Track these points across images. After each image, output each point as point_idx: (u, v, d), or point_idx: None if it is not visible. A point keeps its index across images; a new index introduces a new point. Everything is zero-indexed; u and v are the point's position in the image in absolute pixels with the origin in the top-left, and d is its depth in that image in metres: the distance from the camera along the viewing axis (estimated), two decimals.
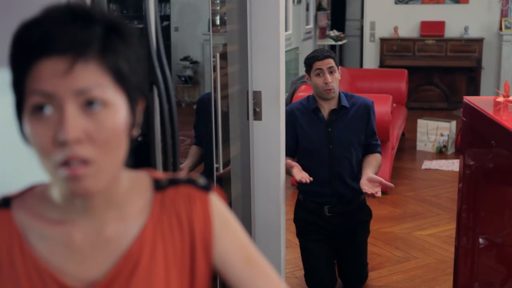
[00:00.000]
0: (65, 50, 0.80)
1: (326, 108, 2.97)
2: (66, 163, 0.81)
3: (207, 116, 2.56)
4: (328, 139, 2.94)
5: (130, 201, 0.94)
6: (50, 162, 0.82)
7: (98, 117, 0.82)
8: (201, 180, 0.99)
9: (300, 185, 3.07)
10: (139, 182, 0.97)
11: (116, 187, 0.92)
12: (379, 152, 3.01)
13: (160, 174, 1.01)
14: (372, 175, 2.81)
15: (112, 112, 0.84)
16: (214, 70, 2.37)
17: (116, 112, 0.84)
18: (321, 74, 2.91)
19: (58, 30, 0.81)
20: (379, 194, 2.75)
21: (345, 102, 2.95)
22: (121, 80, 0.85)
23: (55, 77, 0.80)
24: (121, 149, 0.87)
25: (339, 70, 3.00)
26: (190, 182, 0.98)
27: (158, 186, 0.97)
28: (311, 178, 2.80)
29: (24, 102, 0.83)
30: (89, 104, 0.82)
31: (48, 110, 0.81)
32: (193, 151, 2.55)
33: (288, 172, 2.92)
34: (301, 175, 2.79)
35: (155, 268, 0.93)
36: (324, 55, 2.94)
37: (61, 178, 0.83)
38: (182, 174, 1.00)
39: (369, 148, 2.99)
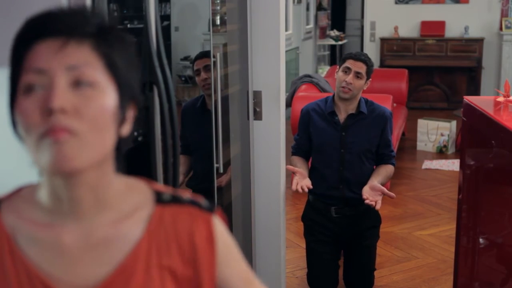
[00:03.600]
0: (61, 32, 0.85)
1: (343, 112, 2.94)
2: (50, 131, 0.82)
3: (193, 124, 2.55)
4: (340, 143, 2.92)
5: (125, 208, 0.93)
6: (35, 135, 0.83)
7: (86, 94, 0.85)
8: (204, 202, 0.98)
9: None
10: (138, 191, 0.96)
11: (105, 185, 0.91)
12: (392, 164, 2.96)
13: (160, 186, 1.00)
14: (376, 183, 2.79)
15: (101, 94, 0.86)
16: (214, 70, 2.37)
17: (105, 95, 0.86)
18: (347, 72, 2.89)
19: (58, 16, 0.86)
20: (378, 205, 2.73)
21: (363, 108, 2.92)
22: (112, 69, 0.88)
23: (48, 54, 0.84)
24: (108, 133, 0.87)
25: (369, 82, 2.95)
26: (194, 203, 0.97)
27: (160, 199, 0.96)
28: (310, 187, 2.78)
29: (19, 85, 0.86)
30: (78, 83, 0.84)
31: (39, 88, 0.84)
32: (181, 160, 2.53)
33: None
34: (299, 185, 2.77)
35: (151, 283, 0.91)
36: (360, 58, 2.91)
37: (44, 148, 0.83)
38: (186, 193, 0.99)
39: (382, 158, 2.95)
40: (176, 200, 0.96)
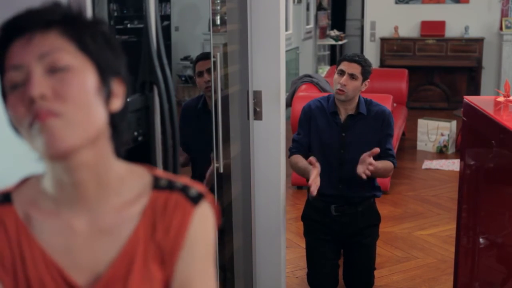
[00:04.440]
0: (27, 28, 0.88)
1: (343, 112, 2.94)
2: (36, 117, 0.85)
3: (194, 125, 2.55)
4: (340, 144, 2.92)
5: (128, 193, 0.95)
6: (25, 125, 0.86)
7: (64, 77, 0.87)
8: (194, 190, 0.97)
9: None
10: (139, 176, 0.98)
11: (105, 166, 0.92)
12: (392, 162, 2.93)
13: (160, 172, 1.01)
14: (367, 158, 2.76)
15: (78, 74, 0.88)
16: (215, 70, 2.37)
17: (82, 74, 0.88)
18: (341, 74, 2.90)
19: (24, 16, 0.90)
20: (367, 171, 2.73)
21: (363, 109, 2.92)
22: (85, 49, 0.90)
23: (20, 50, 0.88)
24: (93, 109, 0.89)
25: (367, 83, 2.94)
26: (184, 190, 0.97)
27: (157, 184, 0.97)
28: (315, 193, 2.74)
29: (4, 85, 0.89)
30: (54, 68, 0.87)
31: (20, 83, 0.87)
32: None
33: (301, 171, 2.90)
34: (314, 184, 2.72)
35: (148, 266, 0.93)
36: (353, 59, 2.92)
37: (35, 135, 0.85)
38: (182, 179, 1.00)
39: (380, 156, 2.90)
40: (169, 186, 0.97)
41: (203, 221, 0.96)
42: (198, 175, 2.55)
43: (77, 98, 0.86)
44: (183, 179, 0.99)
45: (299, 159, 2.94)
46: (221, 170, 2.44)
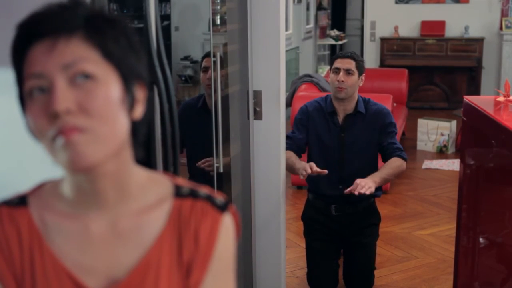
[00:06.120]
0: (49, 32, 0.84)
1: (341, 112, 2.94)
2: (60, 133, 0.82)
3: (194, 124, 2.55)
4: (339, 144, 2.92)
5: (148, 199, 0.94)
6: (48, 138, 0.83)
7: (88, 88, 0.84)
8: (220, 200, 0.96)
9: (309, 186, 3.06)
10: (160, 184, 0.96)
11: (125, 173, 0.91)
12: (398, 156, 2.87)
13: (181, 180, 0.99)
14: (363, 180, 2.74)
15: (102, 85, 0.85)
16: (214, 69, 2.37)
17: (107, 85, 0.85)
18: (337, 72, 2.91)
19: (45, 16, 0.85)
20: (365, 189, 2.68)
21: (361, 108, 2.91)
22: (109, 56, 0.86)
23: (42, 57, 0.84)
24: (118, 121, 0.86)
25: (363, 77, 2.95)
26: (209, 198, 0.95)
27: (179, 192, 0.95)
28: (313, 165, 2.74)
29: (24, 91, 0.86)
30: (78, 77, 0.84)
31: (42, 92, 0.84)
32: None
33: (289, 167, 2.89)
34: (305, 169, 2.72)
35: (172, 274, 0.92)
36: (346, 55, 2.93)
37: (59, 149, 0.83)
38: (204, 188, 0.98)
39: (386, 153, 2.91)
40: (193, 194, 0.95)
41: (230, 229, 0.96)
42: (195, 174, 2.56)
43: (102, 111, 0.83)
44: (205, 188, 0.98)
45: (289, 155, 2.93)
46: (221, 170, 2.44)
